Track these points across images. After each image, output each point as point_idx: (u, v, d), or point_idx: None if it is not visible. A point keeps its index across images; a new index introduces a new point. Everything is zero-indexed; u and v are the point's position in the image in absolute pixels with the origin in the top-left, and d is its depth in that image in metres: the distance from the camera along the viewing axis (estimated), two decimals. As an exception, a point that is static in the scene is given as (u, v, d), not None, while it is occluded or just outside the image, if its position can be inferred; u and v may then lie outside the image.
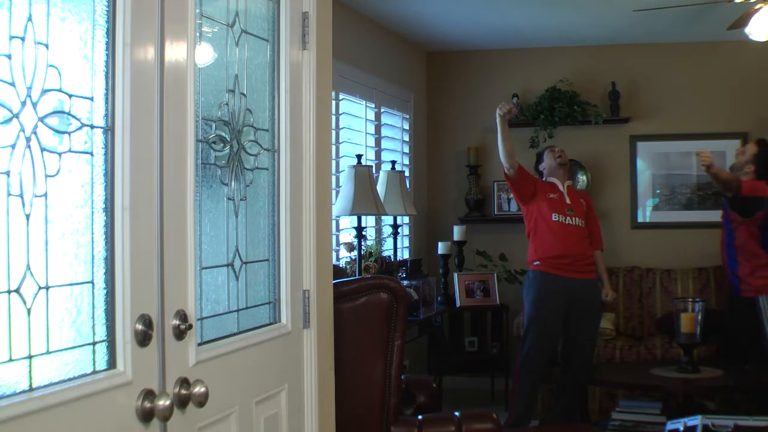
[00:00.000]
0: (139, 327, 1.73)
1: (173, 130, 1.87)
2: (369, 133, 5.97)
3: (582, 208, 5.37)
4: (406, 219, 6.51)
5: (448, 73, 7.29)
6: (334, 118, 5.08)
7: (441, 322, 6.53)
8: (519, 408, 5.23)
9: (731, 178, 5.06)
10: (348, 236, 5.42)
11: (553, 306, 5.19)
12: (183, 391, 1.84)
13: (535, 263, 5.29)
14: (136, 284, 1.72)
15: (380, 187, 5.41)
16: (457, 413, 3.35)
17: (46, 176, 1.52)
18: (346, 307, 3.18)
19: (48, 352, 1.52)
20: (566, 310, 5.21)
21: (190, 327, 1.88)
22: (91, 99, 1.65)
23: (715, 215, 6.80)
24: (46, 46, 1.52)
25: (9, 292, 1.44)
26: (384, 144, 6.31)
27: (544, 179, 5.48)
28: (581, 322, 5.23)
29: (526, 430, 5.31)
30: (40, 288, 1.50)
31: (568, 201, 5.31)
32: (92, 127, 1.65)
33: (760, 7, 4.74)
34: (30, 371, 1.48)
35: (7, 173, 1.43)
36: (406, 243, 6.72)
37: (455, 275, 6.53)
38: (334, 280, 2.74)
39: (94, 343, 1.65)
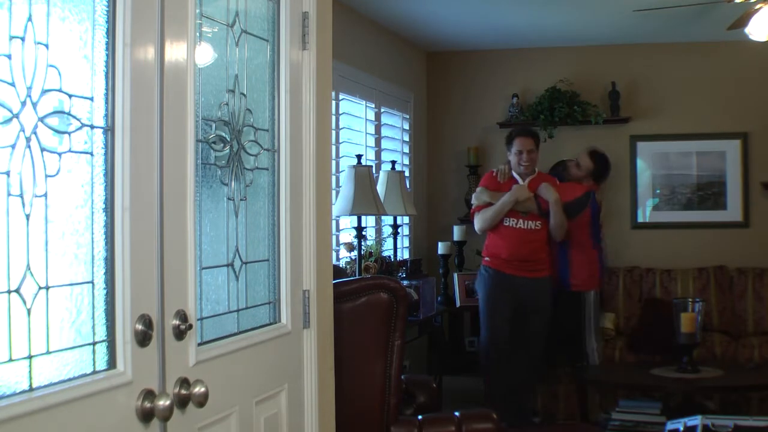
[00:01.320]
0: (139, 327, 1.72)
1: (173, 130, 1.87)
2: (369, 133, 5.97)
3: (542, 206, 5.25)
4: (406, 219, 6.51)
5: (448, 73, 7.29)
6: (334, 118, 5.08)
7: (441, 322, 6.53)
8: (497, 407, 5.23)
9: (532, 202, 5.21)
10: (348, 236, 5.42)
11: (503, 304, 5.26)
12: (183, 391, 1.84)
13: (486, 259, 5.39)
14: (136, 284, 1.72)
15: (380, 187, 5.41)
16: (457, 413, 3.35)
17: (46, 176, 1.52)
18: (346, 307, 3.18)
19: (48, 352, 1.52)
20: (516, 305, 5.25)
21: (190, 327, 1.88)
22: (91, 99, 1.65)
23: (715, 215, 6.84)
24: (46, 46, 1.52)
25: (9, 292, 1.44)
26: (384, 144, 6.31)
27: (512, 173, 5.34)
28: (530, 318, 5.26)
29: (525, 430, 5.32)
30: (40, 288, 1.50)
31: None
32: (92, 127, 1.65)
33: (760, 7, 4.74)
34: (30, 371, 1.48)
35: (7, 173, 1.43)
36: (406, 243, 6.72)
37: (455, 275, 6.52)
38: (334, 280, 2.74)
39: (94, 343, 1.65)
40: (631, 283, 6.56)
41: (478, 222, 5.29)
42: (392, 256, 5.87)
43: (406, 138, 6.78)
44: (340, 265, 5.20)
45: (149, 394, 1.73)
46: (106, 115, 1.68)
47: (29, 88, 1.48)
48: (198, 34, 2.01)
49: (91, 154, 1.65)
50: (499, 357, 5.29)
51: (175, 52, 1.87)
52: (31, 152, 1.48)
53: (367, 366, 3.24)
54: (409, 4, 5.78)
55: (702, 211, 6.86)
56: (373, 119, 6.09)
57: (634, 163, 6.97)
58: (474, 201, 5.31)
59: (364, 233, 5.19)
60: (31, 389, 1.48)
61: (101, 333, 1.67)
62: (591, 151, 5.61)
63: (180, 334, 1.86)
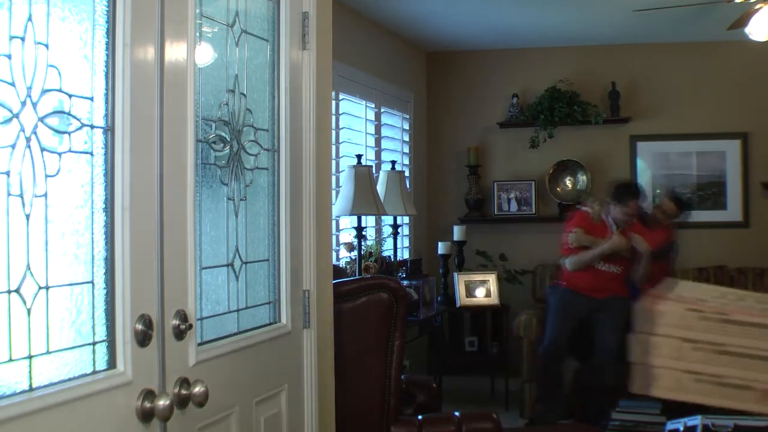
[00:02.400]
0: (139, 327, 1.72)
1: (173, 130, 1.87)
2: (369, 133, 5.97)
3: (635, 254, 5.33)
4: (406, 219, 6.50)
5: (448, 73, 7.29)
6: (334, 118, 5.08)
7: (441, 322, 6.53)
8: (542, 404, 5.37)
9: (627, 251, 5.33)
10: (348, 236, 5.42)
11: (573, 316, 5.41)
12: (183, 391, 1.84)
13: (563, 283, 5.52)
14: (136, 284, 1.72)
15: (380, 187, 5.41)
16: (457, 413, 3.35)
17: (46, 176, 1.52)
18: (346, 307, 3.18)
19: (48, 352, 1.52)
20: (588, 319, 5.37)
21: (190, 327, 1.88)
22: (91, 99, 1.65)
23: (715, 215, 6.84)
24: (46, 46, 1.52)
25: (9, 292, 1.44)
26: (384, 144, 6.31)
27: (602, 215, 5.38)
28: (604, 326, 5.31)
29: (521, 430, 5.34)
30: (40, 288, 1.50)
31: None
32: (92, 127, 1.65)
33: (760, 7, 4.74)
34: (30, 371, 1.48)
35: (7, 173, 1.43)
36: (406, 243, 6.72)
37: (455, 275, 6.53)
38: (334, 280, 2.74)
39: (94, 343, 1.65)
40: (631, 283, 6.55)
41: (573, 264, 5.40)
42: (392, 256, 5.87)
43: (406, 138, 6.78)
44: (340, 265, 5.20)
45: (149, 394, 1.73)
46: (106, 115, 1.68)
47: (29, 88, 1.48)
48: (198, 34, 2.01)
49: (91, 154, 1.65)
50: (559, 358, 5.42)
51: (175, 52, 1.87)
52: (31, 152, 1.48)
53: (366, 366, 3.23)
54: (409, 4, 5.78)
55: (702, 211, 6.85)
56: (373, 119, 6.09)
57: (634, 163, 6.97)
58: (572, 242, 5.37)
59: (364, 233, 5.19)
60: (31, 389, 1.48)
61: (101, 333, 1.67)
62: (671, 195, 5.74)
63: (180, 334, 1.86)
